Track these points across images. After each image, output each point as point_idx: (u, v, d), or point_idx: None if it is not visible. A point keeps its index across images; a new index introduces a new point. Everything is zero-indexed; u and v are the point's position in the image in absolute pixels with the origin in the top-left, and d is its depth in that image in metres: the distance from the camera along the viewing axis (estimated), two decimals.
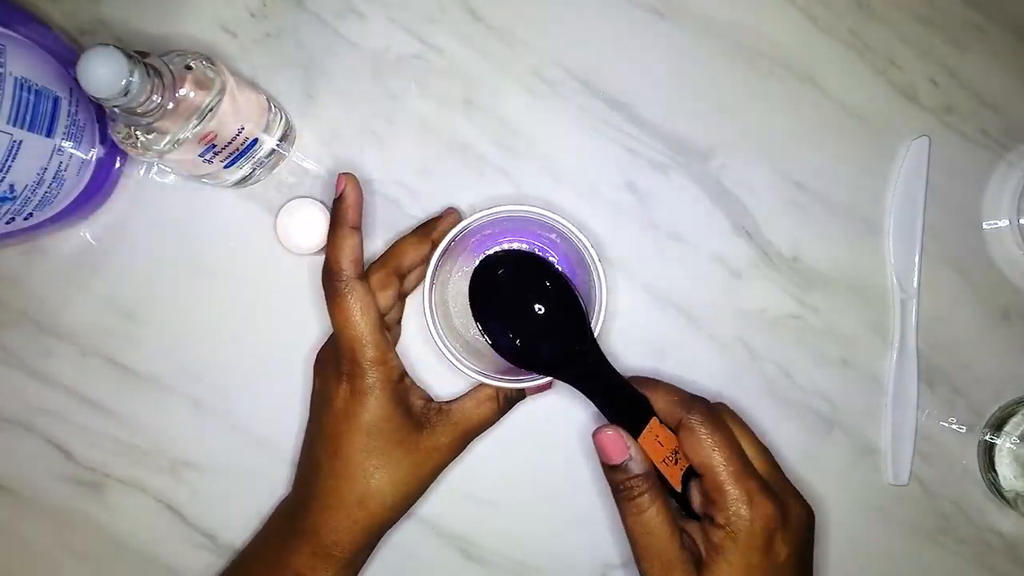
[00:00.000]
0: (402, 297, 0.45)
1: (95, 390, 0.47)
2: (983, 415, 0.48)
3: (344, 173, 0.41)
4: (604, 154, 0.48)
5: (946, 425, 0.48)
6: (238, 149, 0.42)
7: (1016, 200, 0.47)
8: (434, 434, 0.41)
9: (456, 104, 0.47)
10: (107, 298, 0.47)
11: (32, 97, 0.37)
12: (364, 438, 0.40)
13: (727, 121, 0.48)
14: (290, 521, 0.42)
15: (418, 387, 0.43)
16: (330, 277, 0.40)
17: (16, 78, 0.36)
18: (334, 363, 0.41)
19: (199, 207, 0.47)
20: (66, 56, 0.40)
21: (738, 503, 0.36)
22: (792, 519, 0.37)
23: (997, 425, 0.48)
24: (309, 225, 0.43)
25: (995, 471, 0.47)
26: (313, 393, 0.44)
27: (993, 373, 0.49)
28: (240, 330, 0.47)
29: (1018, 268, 0.48)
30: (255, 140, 0.42)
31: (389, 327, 0.43)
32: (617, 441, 0.38)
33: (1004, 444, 0.47)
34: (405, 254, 0.43)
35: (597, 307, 0.43)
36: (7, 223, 0.39)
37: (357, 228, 0.41)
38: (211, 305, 0.47)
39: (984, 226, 0.49)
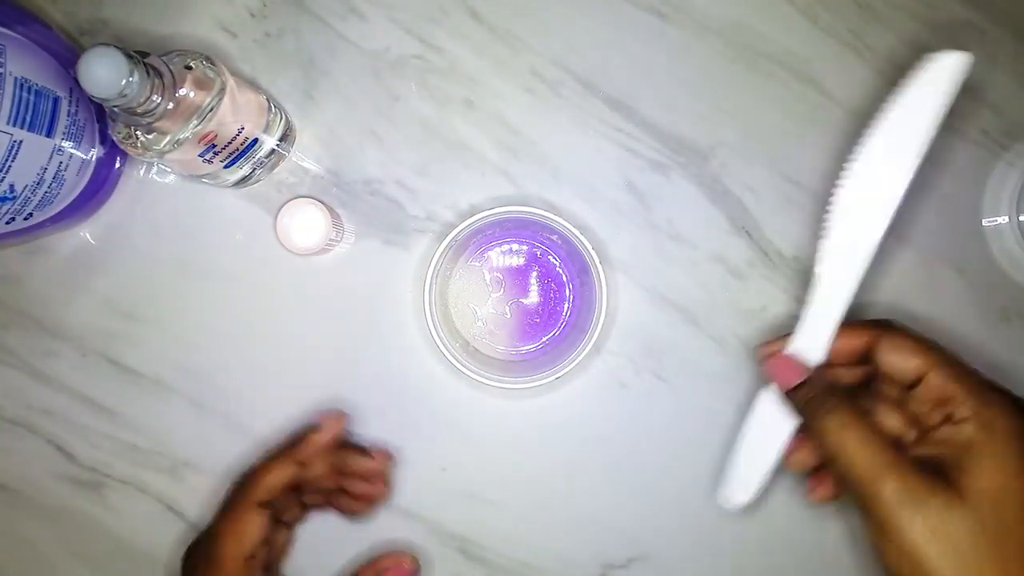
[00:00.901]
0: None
1: (95, 390, 0.47)
2: None
3: (334, 412, 0.43)
4: (604, 154, 0.48)
5: None
6: (238, 149, 0.42)
7: (1015, 198, 0.47)
8: None
9: (456, 104, 0.47)
10: (107, 298, 0.47)
11: (32, 97, 0.37)
12: None
13: (727, 121, 0.48)
14: None
15: None
16: (240, 489, 0.39)
17: (16, 78, 0.36)
18: (203, 569, 0.40)
19: (199, 207, 0.47)
20: (66, 56, 0.40)
21: (984, 389, 0.31)
22: None
23: None
24: (309, 225, 0.43)
25: None
26: None
27: (993, 373, 0.48)
28: (240, 330, 0.47)
29: (1018, 266, 0.48)
30: (255, 140, 0.42)
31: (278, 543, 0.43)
32: (790, 362, 0.35)
33: None
34: (272, 487, 0.41)
35: (597, 308, 0.43)
36: (7, 223, 0.39)
37: (303, 465, 0.41)
38: (211, 305, 0.47)
39: (984, 223, 0.49)
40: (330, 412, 0.42)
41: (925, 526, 0.29)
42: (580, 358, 0.43)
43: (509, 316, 0.47)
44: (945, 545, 0.29)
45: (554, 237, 0.46)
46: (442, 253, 0.42)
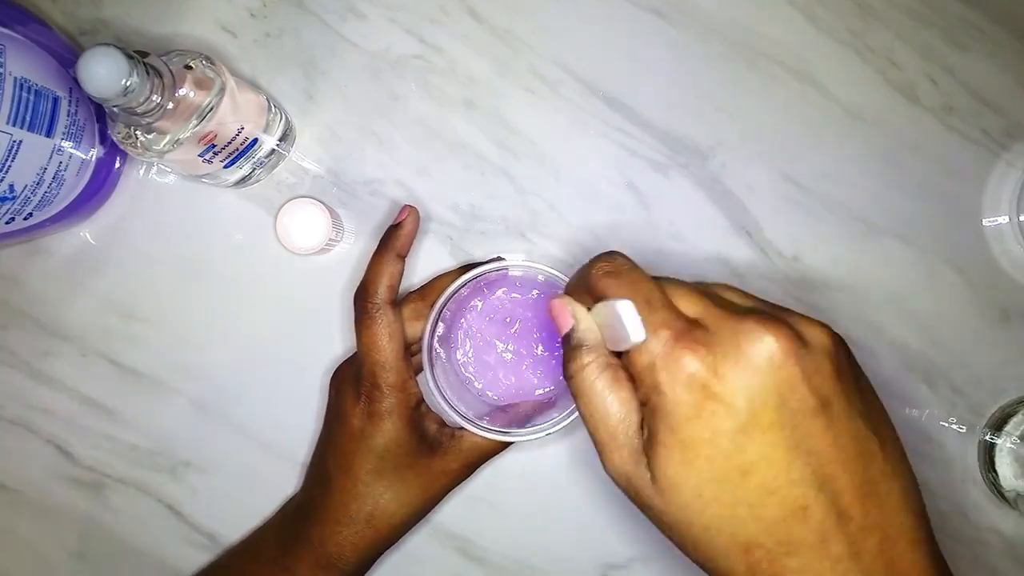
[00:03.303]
0: None
1: (95, 390, 0.47)
2: (983, 415, 0.48)
3: (408, 205, 0.42)
4: (604, 154, 0.48)
5: (946, 425, 0.48)
6: (238, 149, 0.42)
7: (1016, 198, 0.48)
8: (445, 458, 0.41)
9: (456, 104, 0.47)
10: (107, 298, 0.47)
11: (32, 97, 0.37)
12: (377, 459, 0.40)
13: (727, 121, 0.48)
14: (295, 527, 0.42)
15: (433, 413, 0.43)
16: (363, 298, 0.40)
17: (16, 78, 0.36)
18: (354, 381, 0.41)
19: (199, 207, 0.47)
20: (66, 56, 0.40)
21: (649, 368, 0.26)
22: (753, 353, 0.25)
23: (997, 425, 0.47)
24: (309, 225, 0.43)
25: (995, 471, 0.47)
26: (329, 405, 0.44)
27: (993, 373, 0.48)
28: (240, 330, 0.47)
29: (1018, 266, 0.48)
30: (255, 140, 0.42)
31: (413, 354, 0.43)
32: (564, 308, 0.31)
33: (1004, 444, 0.47)
34: (444, 289, 0.42)
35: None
36: (7, 223, 0.39)
37: (402, 258, 0.41)
38: (211, 305, 0.47)
39: (984, 223, 0.49)
40: (403, 210, 0.42)
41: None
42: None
43: (511, 359, 0.43)
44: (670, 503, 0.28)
45: (556, 291, 0.42)
46: (444, 303, 0.41)
